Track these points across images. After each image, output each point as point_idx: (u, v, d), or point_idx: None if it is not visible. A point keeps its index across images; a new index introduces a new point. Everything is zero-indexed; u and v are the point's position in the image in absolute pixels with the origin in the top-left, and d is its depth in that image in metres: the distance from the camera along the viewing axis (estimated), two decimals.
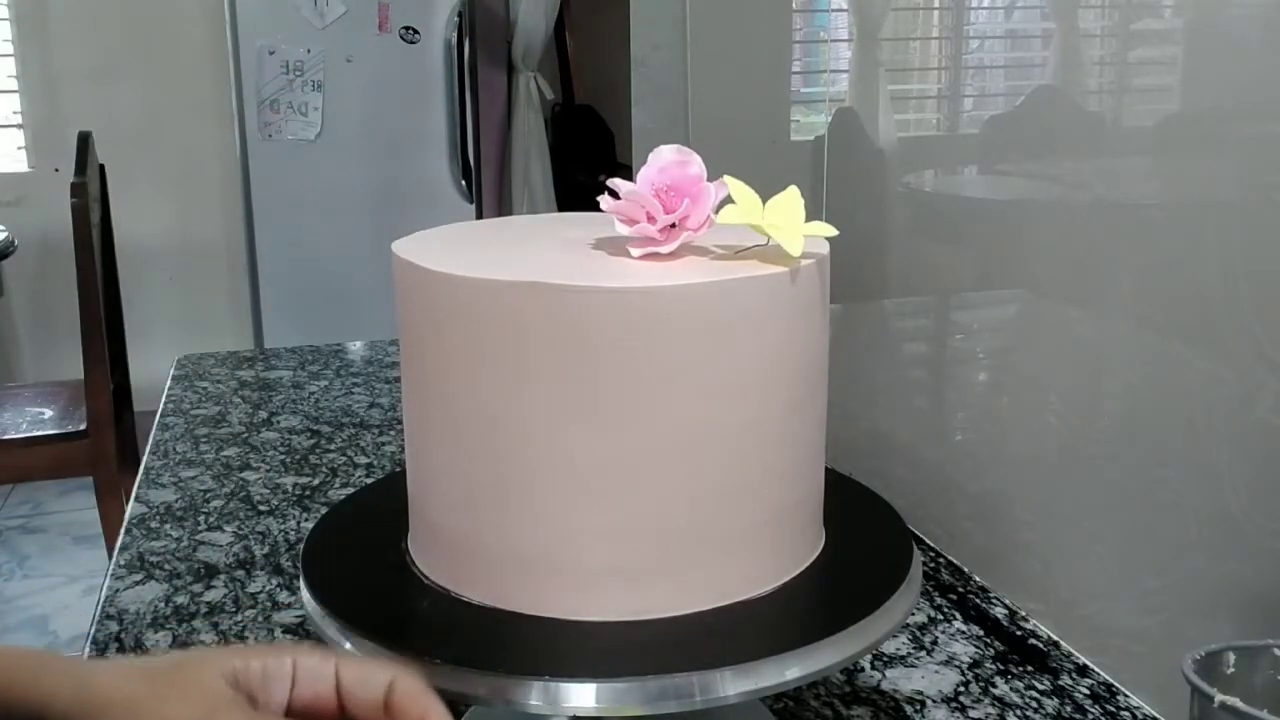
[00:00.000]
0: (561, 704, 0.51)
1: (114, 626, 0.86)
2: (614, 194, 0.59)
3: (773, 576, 0.59)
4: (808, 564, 0.61)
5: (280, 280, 3.10)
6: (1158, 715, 0.73)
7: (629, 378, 0.53)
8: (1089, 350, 0.78)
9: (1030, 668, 0.79)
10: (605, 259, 0.58)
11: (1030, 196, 0.85)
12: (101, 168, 2.37)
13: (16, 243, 2.71)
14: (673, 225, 0.58)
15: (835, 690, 0.77)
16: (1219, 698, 0.52)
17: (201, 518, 1.05)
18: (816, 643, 0.54)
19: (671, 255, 0.58)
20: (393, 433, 1.28)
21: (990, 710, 0.74)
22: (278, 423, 1.32)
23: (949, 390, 0.99)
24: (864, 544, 0.64)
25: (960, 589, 0.90)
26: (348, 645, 0.56)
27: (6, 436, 2.28)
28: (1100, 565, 0.78)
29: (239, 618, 0.86)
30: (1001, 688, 0.77)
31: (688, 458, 0.54)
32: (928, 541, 0.98)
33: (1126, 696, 0.76)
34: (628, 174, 0.64)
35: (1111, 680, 0.77)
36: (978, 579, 0.92)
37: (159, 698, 0.48)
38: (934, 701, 0.76)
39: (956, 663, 0.80)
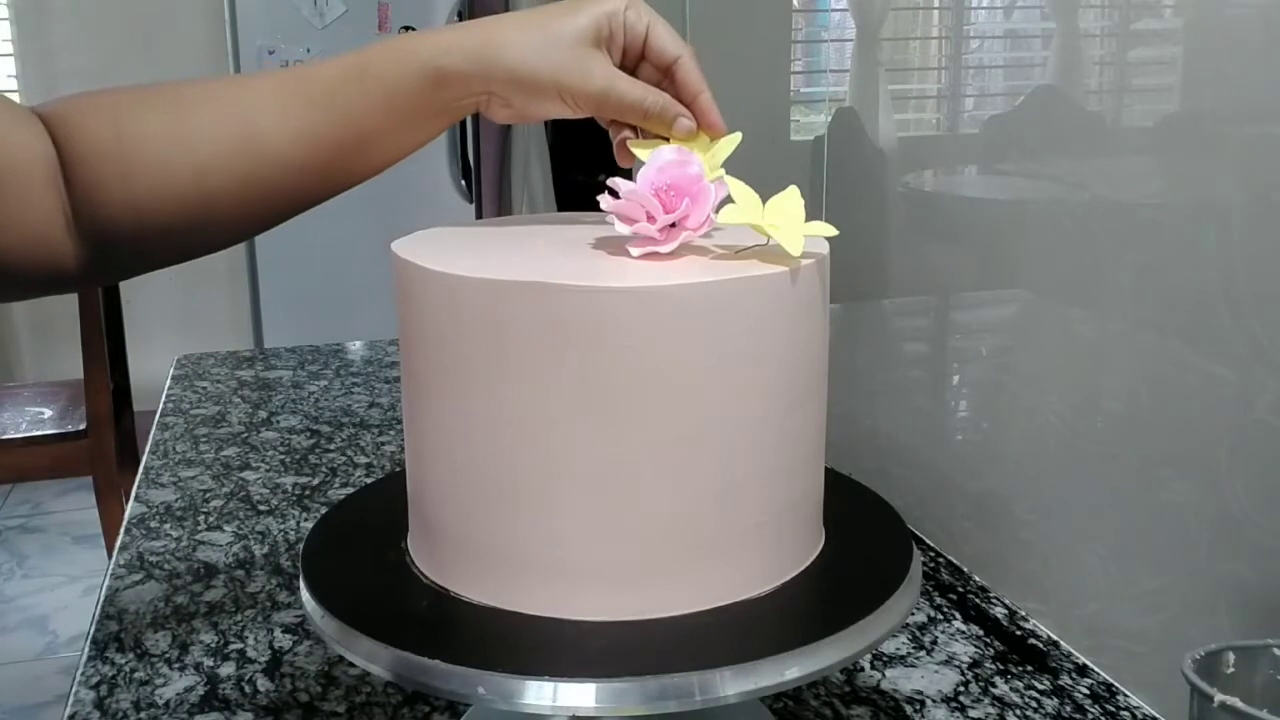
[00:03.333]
0: (561, 704, 0.51)
1: (114, 626, 0.86)
2: (614, 193, 0.59)
3: (773, 576, 0.59)
4: (808, 564, 0.61)
5: (280, 280, 3.10)
6: (1158, 715, 0.73)
7: (629, 377, 0.53)
8: (1089, 350, 0.78)
9: (1030, 667, 0.79)
10: (605, 259, 0.58)
11: (1030, 196, 0.85)
12: None
13: None
14: (672, 225, 0.58)
15: (835, 690, 0.77)
16: (1219, 698, 0.52)
17: (201, 518, 1.05)
18: (816, 643, 0.54)
19: (671, 255, 0.58)
20: (393, 433, 1.28)
21: (990, 710, 0.74)
22: (277, 422, 1.32)
23: (949, 390, 0.99)
24: (864, 544, 0.64)
25: (960, 589, 0.90)
26: (347, 646, 0.56)
27: (6, 436, 2.29)
28: (1100, 565, 0.78)
29: (239, 617, 0.86)
30: (1001, 687, 0.77)
31: (688, 457, 0.54)
32: (928, 541, 0.98)
33: (1126, 696, 0.76)
34: (627, 174, 0.64)
35: (1111, 680, 0.77)
36: (977, 579, 0.92)
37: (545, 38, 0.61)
38: (934, 701, 0.76)
39: (956, 662, 0.80)
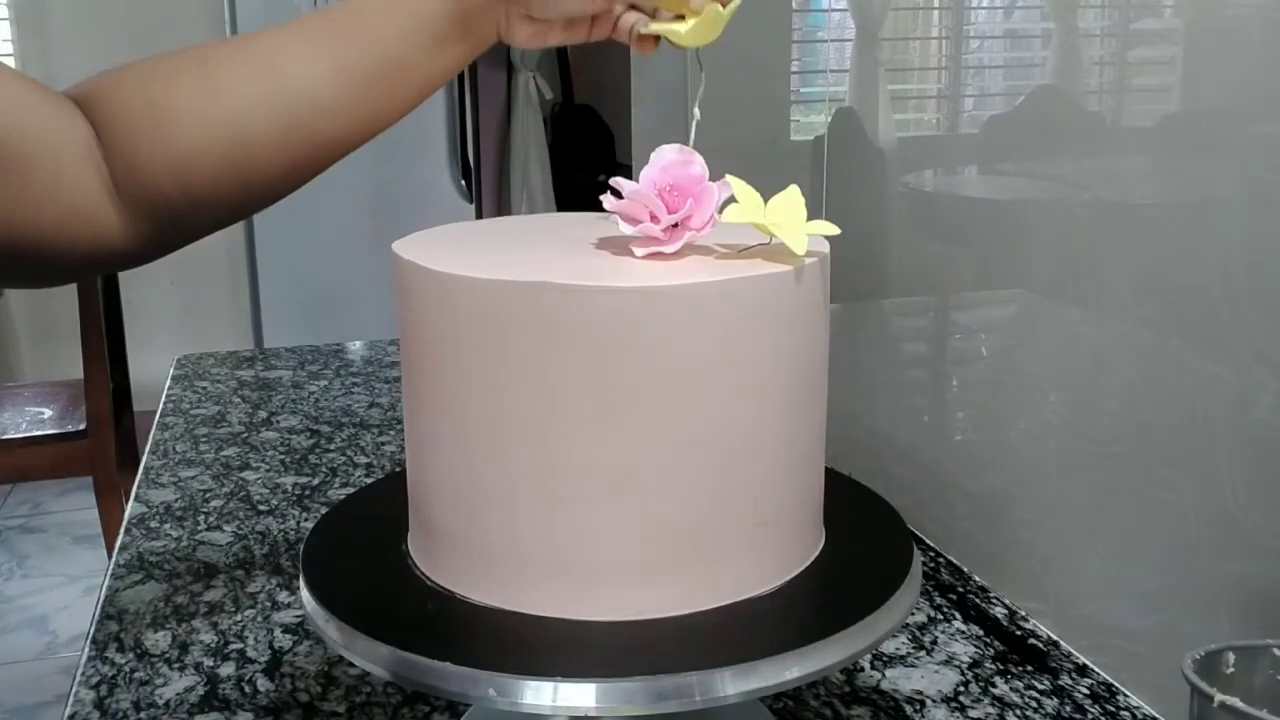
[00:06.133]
0: (561, 704, 0.51)
1: (114, 626, 0.86)
2: (616, 193, 0.59)
3: (773, 576, 0.59)
4: (808, 564, 0.61)
5: (280, 280, 3.10)
6: (1157, 715, 0.73)
7: (634, 377, 0.53)
8: (1089, 350, 0.78)
9: (1030, 668, 0.79)
10: (609, 259, 0.58)
11: (1030, 196, 0.85)
12: None
13: None
14: (675, 225, 0.58)
15: (835, 690, 0.77)
16: (1219, 698, 0.52)
17: (201, 518, 1.05)
18: (816, 643, 0.54)
19: (675, 255, 0.58)
20: (393, 433, 1.28)
21: (990, 710, 0.74)
22: (277, 423, 1.32)
23: (949, 390, 0.99)
24: (864, 544, 0.64)
25: (960, 589, 0.90)
26: (348, 646, 0.56)
27: (6, 436, 2.28)
28: (1100, 565, 0.78)
29: (239, 618, 0.86)
30: (1001, 687, 0.77)
31: (689, 458, 0.54)
32: (928, 541, 0.98)
33: (1126, 696, 0.76)
34: (628, 174, 0.64)
35: (1111, 680, 0.77)
36: (977, 579, 0.92)
37: None
38: (934, 701, 0.76)
39: (956, 662, 0.80)
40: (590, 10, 0.65)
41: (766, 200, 0.59)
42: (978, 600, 0.89)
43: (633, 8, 0.66)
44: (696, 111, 0.62)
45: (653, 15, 0.65)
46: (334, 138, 0.65)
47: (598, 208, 0.61)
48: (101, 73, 0.63)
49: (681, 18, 0.65)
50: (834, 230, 0.59)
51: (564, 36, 0.67)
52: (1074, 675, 0.78)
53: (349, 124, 0.65)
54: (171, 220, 0.64)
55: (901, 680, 0.78)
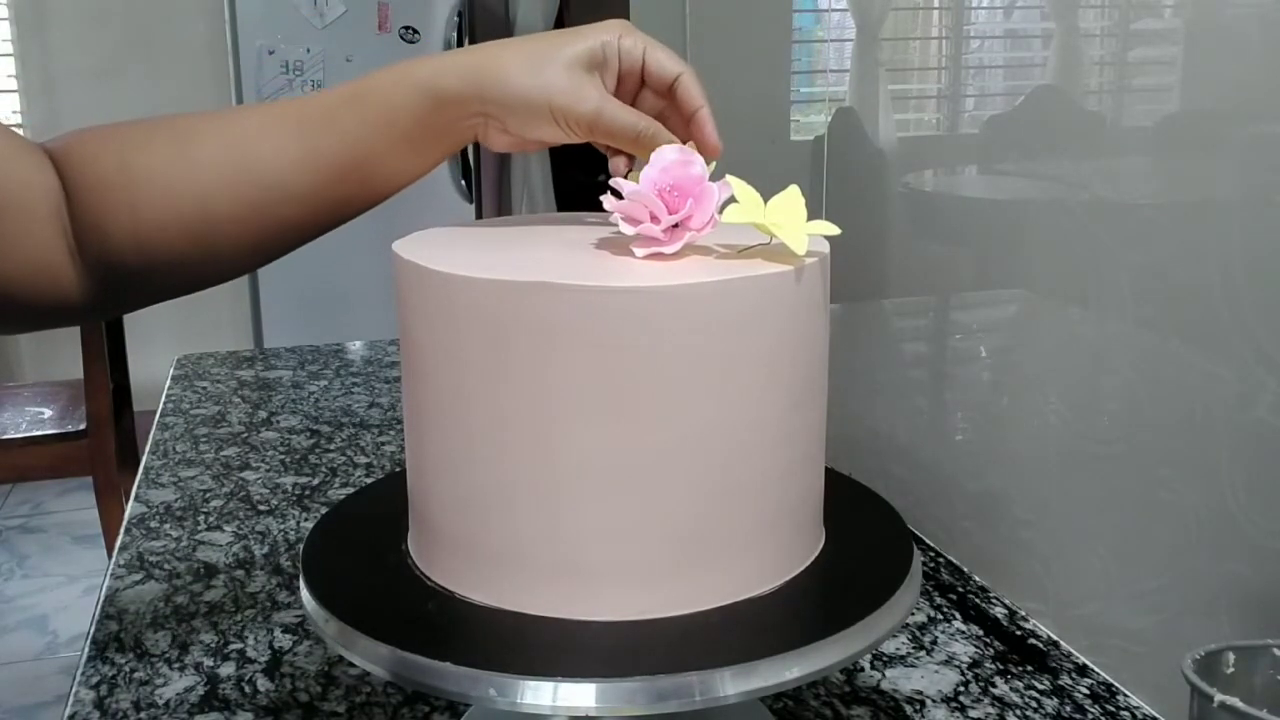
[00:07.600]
0: (561, 704, 0.51)
1: (113, 626, 0.86)
2: (617, 193, 0.59)
3: (773, 576, 0.59)
4: (808, 563, 0.61)
5: (280, 280, 3.10)
6: (1157, 715, 0.73)
7: (633, 378, 0.53)
8: (1089, 350, 0.78)
9: (1030, 668, 0.79)
10: (609, 259, 0.58)
11: (1030, 196, 0.85)
12: None
13: None
14: (676, 225, 0.58)
15: (835, 690, 0.77)
16: (1219, 698, 0.52)
17: (201, 518, 1.05)
18: (816, 642, 0.54)
19: (675, 255, 0.58)
20: (393, 433, 1.28)
21: (990, 710, 0.74)
22: (277, 422, 1.32)
23: (949, 390, 0.99)
24: (864, 544, 0.64)
25: (960, 589, 0.90)
26: (348, 646, 0.56)
27: (6, 436, 2.29)
28: (1100, 565, 0.78)
29: (238, 618, 0.86)
30: (1001, 688, 0.77)
31: (690, 458, 0.54)
32: (928, 541, 0.98)
33: (1126, 696, 0.76)
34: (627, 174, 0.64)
35: (1111, 680, 0.77)
36: (977, 579, 0.92)
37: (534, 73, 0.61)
38: (934, 701, 0.76)
39: (956, 662, 0.80)
40: (568, 142, 0.65)
41: (766, 200, 0.59)
42: (978, 600, 0.89)
43: (610, 149, 0.66)
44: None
45: (632, 163, 0.65)
46: (297, 223, 0.65)
47: (598, 208, 0.61)
48: (81, 130, 0.64)
49: None
50: (834, 230, 0.59)
51: (541, 145, 0.66)
52: (1074, 675, 0.78)
53: (314, 212, 0.65)
54: (125, 284, 0.64)
55: (901, 680, 0.78)
